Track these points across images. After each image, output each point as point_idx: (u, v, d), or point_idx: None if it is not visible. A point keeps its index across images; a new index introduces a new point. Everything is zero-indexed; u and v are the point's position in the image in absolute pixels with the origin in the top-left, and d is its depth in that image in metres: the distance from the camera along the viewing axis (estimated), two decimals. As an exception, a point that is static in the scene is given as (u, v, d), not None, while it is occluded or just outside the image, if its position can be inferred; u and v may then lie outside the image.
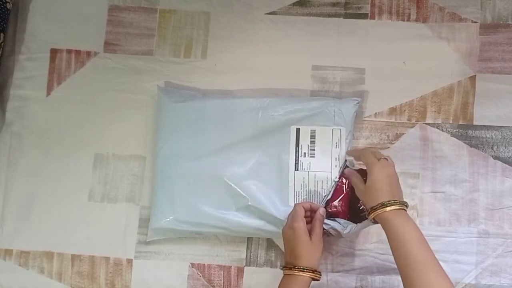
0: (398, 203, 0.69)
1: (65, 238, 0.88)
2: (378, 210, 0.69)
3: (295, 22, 0.92)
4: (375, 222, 0.72)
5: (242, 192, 0.82)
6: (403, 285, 0.64)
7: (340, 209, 0.81)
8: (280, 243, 0.86)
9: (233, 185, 0.82)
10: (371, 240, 0.84)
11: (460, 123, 0.88)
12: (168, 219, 0.83)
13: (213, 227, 0.83)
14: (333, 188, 0.82)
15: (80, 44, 0.94)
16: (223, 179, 0.83)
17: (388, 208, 0.69)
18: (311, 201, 0.82)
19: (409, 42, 0.90)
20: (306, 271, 0.70)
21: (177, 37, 0.93)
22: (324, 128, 0.84)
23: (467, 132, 0.88)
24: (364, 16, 0.92)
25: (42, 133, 0.92)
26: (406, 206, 0.70)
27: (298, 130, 0.84)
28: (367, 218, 0.73)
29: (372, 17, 0.92)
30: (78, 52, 0.93)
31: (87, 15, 0.95)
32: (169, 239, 0.87)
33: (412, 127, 0.88)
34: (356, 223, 0.78)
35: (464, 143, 0.87)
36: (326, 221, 0.77)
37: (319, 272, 0.72)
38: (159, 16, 0.94)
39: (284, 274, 0.73)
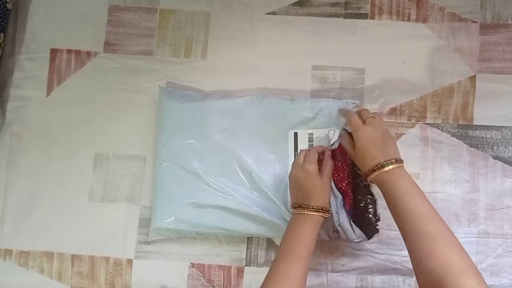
0: (391, 162, 0.68)
1: (65, 238, 0.89)
2: (373, 174, 0.69)
3: (295, 22, 0.92)
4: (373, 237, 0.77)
5: (242, 194, 0.82)
6: (412, 260, 0.62)
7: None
8: (280, 243, 0.86)
9: (234, 186, 0.82)
10: (371, 240, 0.84)
11: (460, 123, 0.88)
12: (169, 220, 0.83)
13: (213, 228, 0.83)
14: (338, 138, 0.79)
15: (80, 44, 0.94)
16: (224, 180, 0.83)
17: (385, 169, 0.68)
18: None
19: (409, 42, 0.90)
20: (320, 211, 0.71)
21: (177, 37, 0.93)
22: (321, 131, 0.83)
23: (467, 132, 0.88)
24: (364, 16, 0.92)
25: (42, 133, 0.92)
26: (401, 162, 0.69)
27: (296, 134, 0.84)
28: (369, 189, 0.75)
29: (372, 17, 0.92)
30: (78, 52, 0.94)
31: (87, 15, 0.95)
32: (169, 239, 0.87)
33: (412, 127, 0.88)
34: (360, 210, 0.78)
35: (464, 143, 0.87)
36: (342, 223, 0.77)
37: (328, 210, 0.73)
38: (159, 16, 0.94)
39: (295, 213, 0.73)
